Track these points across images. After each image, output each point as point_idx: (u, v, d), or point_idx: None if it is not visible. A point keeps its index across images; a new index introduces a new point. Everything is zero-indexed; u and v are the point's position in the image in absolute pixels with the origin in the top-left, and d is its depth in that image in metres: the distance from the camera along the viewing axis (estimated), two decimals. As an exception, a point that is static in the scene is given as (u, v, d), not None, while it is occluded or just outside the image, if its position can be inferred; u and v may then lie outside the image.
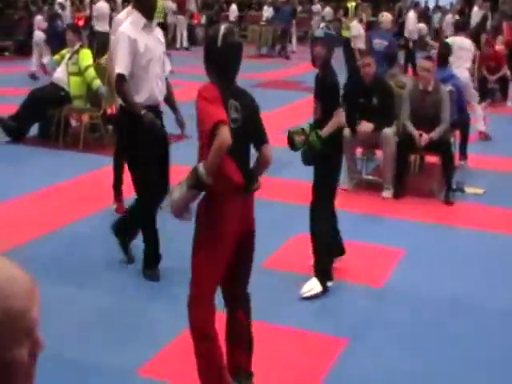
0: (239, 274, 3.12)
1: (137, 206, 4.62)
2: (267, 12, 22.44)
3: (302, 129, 4.19)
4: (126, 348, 3.66)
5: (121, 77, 4.38)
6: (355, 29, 12.34)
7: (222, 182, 2.86)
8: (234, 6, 23.38)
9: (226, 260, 2.97)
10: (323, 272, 4.31)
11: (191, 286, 3.01)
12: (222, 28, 2.97)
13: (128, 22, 4.49)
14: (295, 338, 3.82)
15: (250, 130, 3.02)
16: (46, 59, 11.30)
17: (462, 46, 9.51)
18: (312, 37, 4.58)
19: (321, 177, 4.34)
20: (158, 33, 4.69)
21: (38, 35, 12.70)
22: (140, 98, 4.42)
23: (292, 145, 4.16)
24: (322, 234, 4.31)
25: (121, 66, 4.37)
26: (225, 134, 2.75)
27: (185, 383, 3.33)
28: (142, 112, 4.30)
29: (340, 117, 4.19)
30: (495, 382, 3.52)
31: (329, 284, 4.33)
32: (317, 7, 22.93)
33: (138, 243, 4.66)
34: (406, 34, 15.74)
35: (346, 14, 13.87)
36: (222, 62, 2.94)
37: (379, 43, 10.10)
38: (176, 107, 4.82)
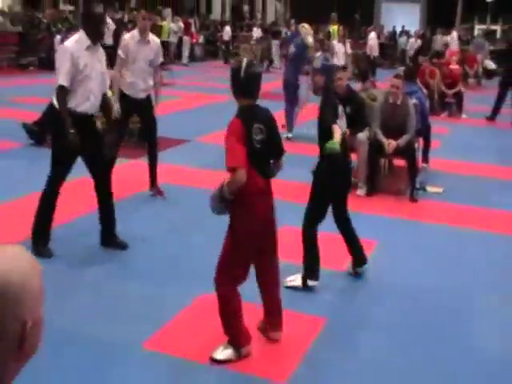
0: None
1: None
2: (256, 33, 22.39)
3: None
4: (130, 324, 3.60)
5: (61, 88, 4.36)
6: (335, 48, 12.30)
7: (247, 191, 3.09)
8: (227, 28, 23.30)
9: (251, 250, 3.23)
10: (307, 271, 4.16)
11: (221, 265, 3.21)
12: (245, 61, 3.19)
13: (74, 40, 4.42)
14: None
15: (272, 147, 3.25)
16: None
17: None
18: (312, 68, 4.57)
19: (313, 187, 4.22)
20: (101, 54, 4.57)
21: None
22: (71, 105, 4.37)
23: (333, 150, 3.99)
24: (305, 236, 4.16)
25: (63, 78, 4.33)
26: (238, 177, 3.02)
27: (186, 355, 3.30)
28: (71, 131, 4.29)
29: (339, 128, 4.08)
30: (459, 364, 3.51)
31: (311, 283, 4.14)
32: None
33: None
34: (368, 51, 15.92)
35: (328, 37, 13.81)
36: (246, 89, 3.16)
37: None
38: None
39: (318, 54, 8.97)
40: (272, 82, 16.80)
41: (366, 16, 28.07)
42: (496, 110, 11.57)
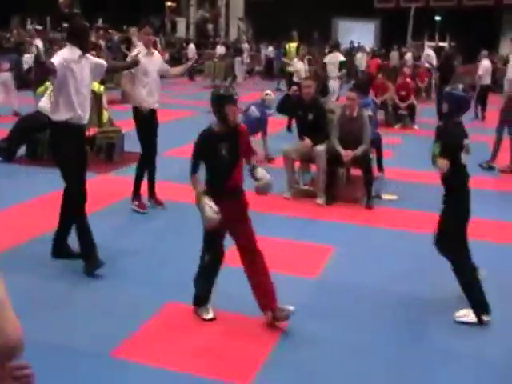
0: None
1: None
2: (220, 50, 22.48)
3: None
4: (99, 332, 3.58)
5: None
6: (296, 65, 12.44)
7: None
8: (192, 45, 23.33)
9: None
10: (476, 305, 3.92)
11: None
12: (221, 89, 3.70)
13: (66, 52, 4.42)
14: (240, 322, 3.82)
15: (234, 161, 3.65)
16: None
17: None
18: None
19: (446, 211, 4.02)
20: (90, 63, 4.57)
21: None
22: (63, 116, 4.36)
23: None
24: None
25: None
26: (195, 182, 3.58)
27: (156, 363, 3.30)
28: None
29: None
30: (414, 361, 3.60)
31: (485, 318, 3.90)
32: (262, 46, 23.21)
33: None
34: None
35: (285, 53, 13.97)
36: (218, 110, 3.58)
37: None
38: None
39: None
40: (239, 97, 16.92)
41: (323, 33, 28.49)
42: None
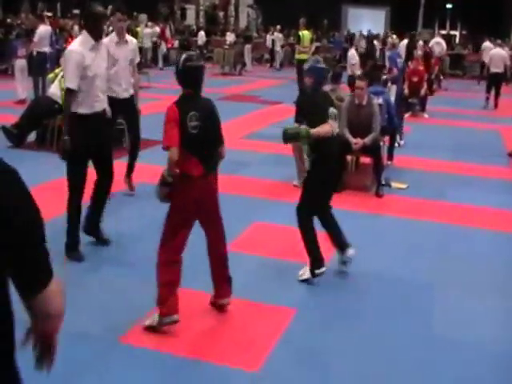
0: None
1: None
2: (229, 37, 22.34)
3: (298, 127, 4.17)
4: (107, 319, 3.58)
5: (69, 91, 4.33)
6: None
7: (185, 176, 3.30)
8: (201, 33, 23.23)
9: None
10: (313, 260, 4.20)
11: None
12: (184, 55, 3.38)
13: (77, 43, 4.39)
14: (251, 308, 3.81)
15: (210, 134, 3.37)
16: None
17: None
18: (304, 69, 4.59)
19: (305, 184, 4.33)
20: (104, 51, 4.59)
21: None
22: (84, 109, 4.36)
23: (284, 133, 4.09)
24: (304, 230, 4.22)
25: (70, 81, 4.31)
26: (171, 155, 3.23)
27: (164, 349, 3.29)
28: (65, 137, 4.31)
29: (330, 126, 4.11)
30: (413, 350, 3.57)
31: (318, 271, 4.18)
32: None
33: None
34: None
35: (298, 41, 13.83)
36: (183, 81, 3.35)
37: None
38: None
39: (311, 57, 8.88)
40: (244, 85, 16.86)
41: (333, 21, 28.24)
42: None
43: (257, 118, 11.36)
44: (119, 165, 6.48)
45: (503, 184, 7.22)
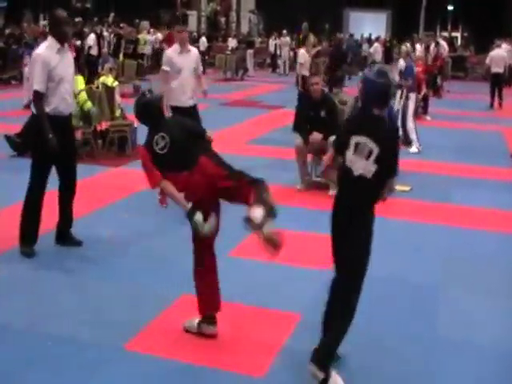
0: None
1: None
2: (231, 43, 22.41)
3: None
4: (113, 326, 3.58)
5: (37, 93, 4.40)
6: (302, 57, 12.32)
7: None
8: (203, 38, 23.31)
9: None
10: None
11: None
12: (142, 98, 3.49)
13: (44, 47, 4.50)
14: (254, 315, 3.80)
15: (179, 152, 3.32)
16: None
17: None
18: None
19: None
20: (70, 55, 4.70)
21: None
22: (49, 109, 4.43)
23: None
24: None
25: (37, 84, 4.38)
26: (165, 189, 3.37)
27: (170, 355, 3.29)
28: (50, 136, 4.35)
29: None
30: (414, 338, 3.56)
31: None
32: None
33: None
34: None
35: (299, 45, 13.85)
36: (143, 122, 3.53)
37: None
38: None
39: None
40: (246, 90, 16.89)
41: (335, 25, 28.27)
42: None
43: (260, 123, 11.38)
44: (115, 173, 6.47)
45: (506, 185, 7.20)
